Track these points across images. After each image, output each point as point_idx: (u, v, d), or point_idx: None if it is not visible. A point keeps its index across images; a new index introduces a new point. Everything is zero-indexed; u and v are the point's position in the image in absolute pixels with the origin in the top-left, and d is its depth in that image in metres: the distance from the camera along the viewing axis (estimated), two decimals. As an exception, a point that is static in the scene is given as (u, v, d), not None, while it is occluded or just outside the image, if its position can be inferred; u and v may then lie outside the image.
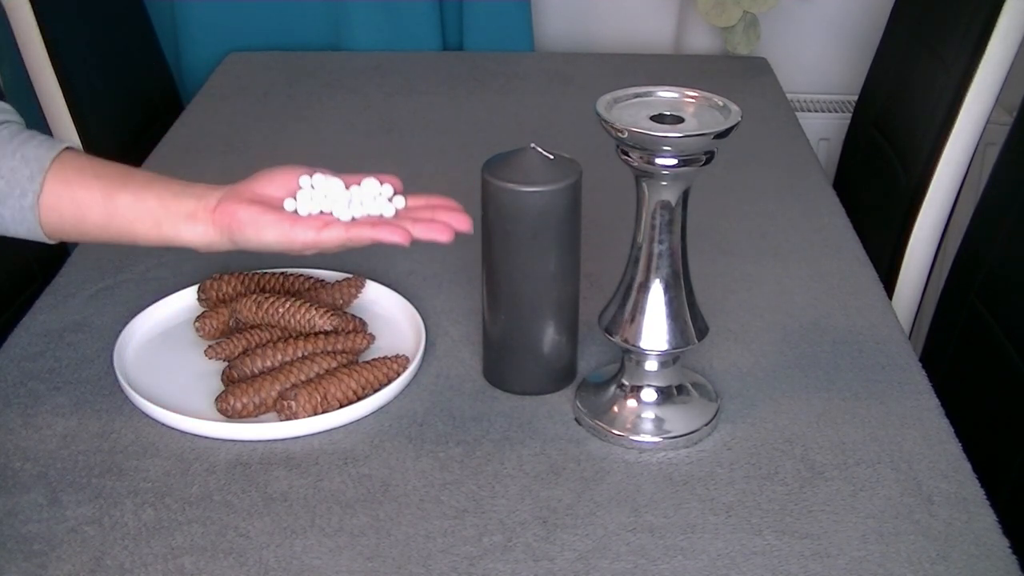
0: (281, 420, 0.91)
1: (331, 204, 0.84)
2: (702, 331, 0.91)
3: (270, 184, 0.86)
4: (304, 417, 0.91)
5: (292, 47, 1.91)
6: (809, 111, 2.01)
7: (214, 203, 0.84)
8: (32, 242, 0.88)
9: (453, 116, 1.60)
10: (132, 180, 0.86)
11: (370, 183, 0.86)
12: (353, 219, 0.84)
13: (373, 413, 0.94)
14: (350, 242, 0.84)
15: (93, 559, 0.78)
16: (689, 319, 0.90)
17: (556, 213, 0.90)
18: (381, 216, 0.85)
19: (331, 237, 0.83)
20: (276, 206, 0.84)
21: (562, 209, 0.90)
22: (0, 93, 1.33)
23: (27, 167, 0.84)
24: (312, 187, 0.85)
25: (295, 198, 0.85)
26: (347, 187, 0.86)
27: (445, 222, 0.84)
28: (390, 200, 0.86)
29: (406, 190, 0.89)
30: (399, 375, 0.96)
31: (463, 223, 0.85)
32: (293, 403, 0.91)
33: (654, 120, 0.83)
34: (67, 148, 0.86)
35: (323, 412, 0.91)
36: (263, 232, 0.83)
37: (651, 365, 0.92)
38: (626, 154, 0.84)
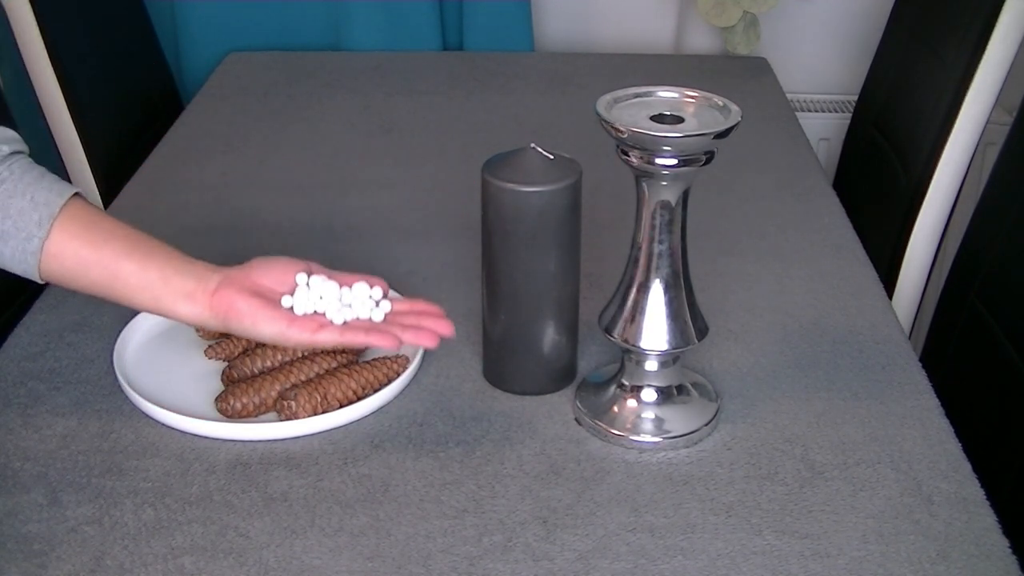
0: (281, 420, 0.91)
1: (325, 305, 0.89)
2: (702, 331, 0.91)
3: (268, 275, 0.90)
4: (304, 417, 0.91)
5: (292, 47, 1.91)
6: (809, 111, 2.01)
7: (213, 287, 0.87)
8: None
9: (453, 116, 1.60)
10: (137, 248, 0.88)
11: (360, 287, 0.90)
12: (345, 322, 0.88)
13: (373, 413, 0.94)
14: (343, 344, 0.88)
15: (93, 559, 0.78)
16: (689, 319, 0.90)
17: (556, 213, 0.90)
18: (371, 320, 0.89)
19: (325, 339, 0.87)
20: (273, 299, 0.88)
21: (562, 209, 0.90)
22: (4, 105, 1.33)
23: (36, 211, 0.85)
24: (308, 286, 0.89)
25: (291, 294, 0.89)
26: (339, 286, 0.90)
27: (431, 328, 0.89)
28: (378, 304, 0.90)
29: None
30: (399, 375, 0.96)
31: (446, 328, 0.90)
32: (293, 403, 0.91)
33: (654, 120, 0.83)
34: (76, 194, 0.88)
35: (323, 412, 0.91)
36: (260, 326, 0.87)
37: (651, 365, 0.92)
38: (626, 154, 0.84)
